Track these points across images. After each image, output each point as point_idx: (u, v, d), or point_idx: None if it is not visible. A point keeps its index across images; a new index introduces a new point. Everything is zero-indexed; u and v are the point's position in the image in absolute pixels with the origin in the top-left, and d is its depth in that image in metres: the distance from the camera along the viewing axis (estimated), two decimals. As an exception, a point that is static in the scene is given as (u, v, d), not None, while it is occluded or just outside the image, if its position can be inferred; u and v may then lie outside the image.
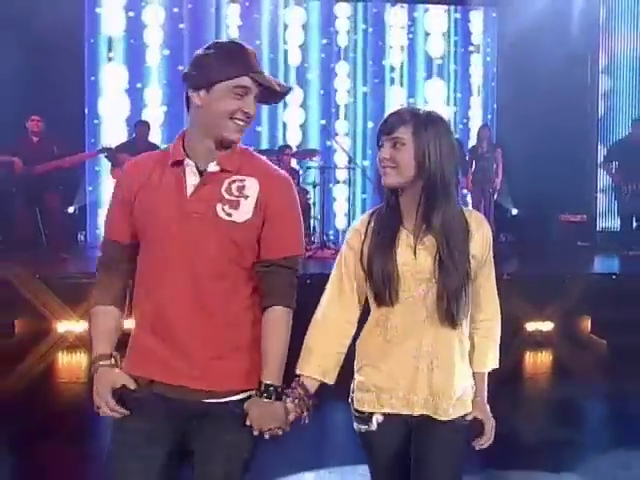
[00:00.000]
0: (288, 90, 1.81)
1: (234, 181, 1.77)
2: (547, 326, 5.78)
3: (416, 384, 1.85)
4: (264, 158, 1.88)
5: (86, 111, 8.95)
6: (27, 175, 6.94)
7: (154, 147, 6.73)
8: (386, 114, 1.92)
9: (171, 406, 1.74)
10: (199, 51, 1.78)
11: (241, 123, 1.74)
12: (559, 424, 4.08)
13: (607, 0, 9.46)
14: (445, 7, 9.59)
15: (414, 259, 1.82)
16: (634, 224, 8.34)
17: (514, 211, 9.06)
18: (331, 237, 8.07)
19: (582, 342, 5.68)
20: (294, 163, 8.30)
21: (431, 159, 1.79)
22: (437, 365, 1.84)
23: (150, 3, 8.98)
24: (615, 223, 8.80)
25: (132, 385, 1.74)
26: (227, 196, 1.75)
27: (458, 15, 9.66)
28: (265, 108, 9.26)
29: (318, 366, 1.85)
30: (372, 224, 1.89)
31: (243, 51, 1.76)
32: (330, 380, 1.86)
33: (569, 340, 5.65)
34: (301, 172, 8.34)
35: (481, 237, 1.86)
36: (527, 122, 8.40)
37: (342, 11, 9.47)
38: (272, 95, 1.79)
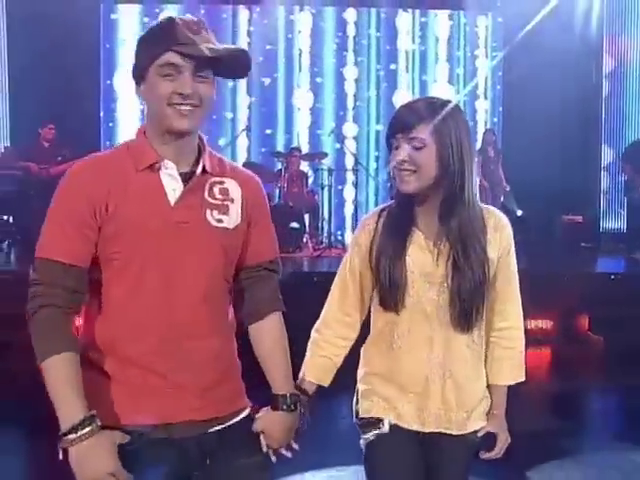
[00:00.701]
0: (237, 53, 1.48)
1: (214, 184, 1.56)
2: (547, 324, 5.95)
3: (428, 397, 1.70)
4: (225, 158, 1.67)
5: (101, 114, 9.21)
6: (43, 178, 7.20)
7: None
8: (398, 108, 1.70)
9: (181, 448, 1.50)
10: None
11: (182, 108, 1.44)
12: (558, 417, 4.22)
13: (611, 3, 9.58)
14: (452, 12, 9.76)
15: (427, 261, 1.67)
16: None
17: (519, 212, 9.21)
18: (338, 237, 8.25)
19: (580, 339, 5.82)
20: (303, 165, 8.50)
21: (454, 158, 1.61)
22: (449, 376, 1.70)
23: (165, 9, 9.23)
24: (618, 224, 8.92)
25: (126, 438, 1.41)
26: (212, 201, 1.54)
27: (464, 20, 9.83)
28: (279, 112, 9.51)
29: (317, 370, 1.77)
30: (382, 220, 1.74)
31: (168, 24, 1.44)
32: (326, 383, 1.78)
33: (568, 337, 5.81)
34: (310, 174, 8.54)
35: (499, 238, 1.70)
36: (532, 125, 8.54)
37: (352, 16, 9.68)
38: (231, 67, 1.49)
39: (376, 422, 1.74)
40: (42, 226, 1.47)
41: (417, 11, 9.71)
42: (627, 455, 3.69)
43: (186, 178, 1.52)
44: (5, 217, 7.75)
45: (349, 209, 9.29)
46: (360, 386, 1.81)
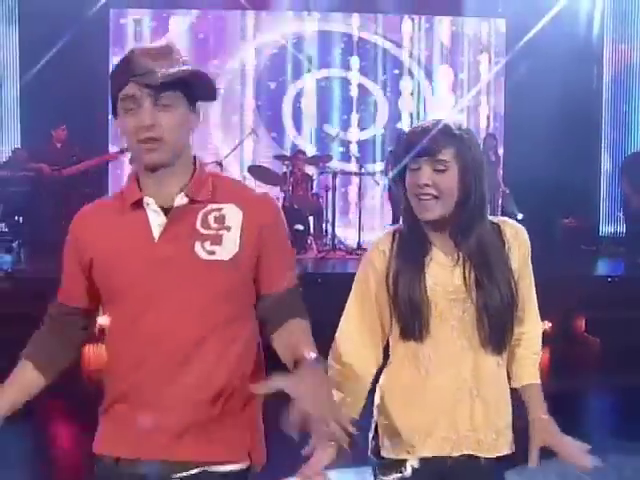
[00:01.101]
0: (192, 74, 1.38)
1: (209, 212, 1.45)
2: (545, 325, 6.08)
3: (457, 420, 1.61)
4: (238, 180, 1.61)
5: (109, 117, 9.36)
6: (55, 179, 7.37)
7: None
8: (414, 129, 1.66)
9: None
10: None
11: (147, 145, 1.38)
12: (555, 416, 4.36)
13: (613, 10, 9.72)
14: (454, 18, 9.89)
15: (448, 277, 1.60)
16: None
17: (519, 216, 9.34)
18: (342, 239, 8.41)
19: (577, 340, 5.97)
20: (308, 169, 8.66)
21: (475, 179, 1.59)
22: (477, 395, 1.61)
23: (174, 14, 9.41)
24: (617, 228, 9.05)
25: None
26: (205, 231, 1.42)
27: (467, 25, 9.96)
28: (285, 115, 9.67)
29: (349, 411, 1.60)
30: (396, 243, 1.66)
31: (127, 56, 1.39)
32: (357, 415, 1.64)
33: (565, 338, 5.94)
34: (314, 177, 8.71)
35: (518, 246, 1.65)
36: (533, 129, 8.67)
37: (357, 22, 9.83)
38: (197, 88, 1.42)
39: (398, 465, 1.64)
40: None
41: (423, 17, 9.84)
42: (623, 454, 3.76)
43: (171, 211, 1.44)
44: (16, 217, 7.91)
45: (353, 212, 9.44)
46: (379, 419, 1.69)
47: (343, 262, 7.45)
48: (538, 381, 1.69)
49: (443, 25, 9.92)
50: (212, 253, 1.41)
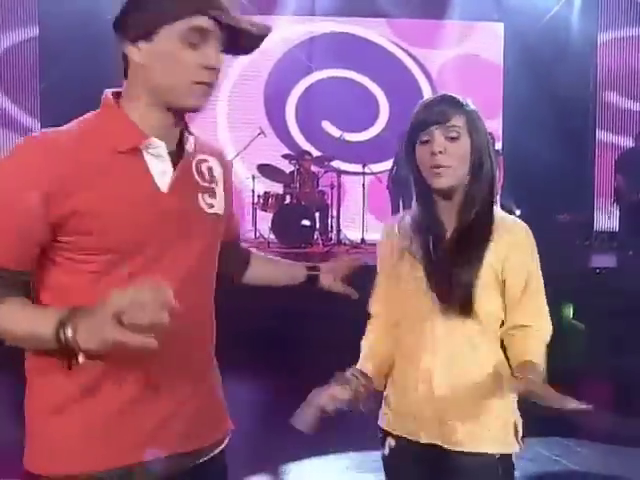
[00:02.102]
0: (266, 32, 1.25)
1: (201, 162, 1.34)
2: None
3: (421, 406, 1.58)
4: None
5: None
6: None
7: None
8: (420, 104, 1.59)
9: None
10: None
11: (205, 86, 1.21)
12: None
13: (605, 13, 10.06)
14: (451, 21, 10.09)
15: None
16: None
17: (517, 211, 9.70)
18: (346, 235, 8.80)
19: (564, 326, 6.24)
20: (313, 167, 9.05)
21: (487, 150, 1.55)
22: (439, 385, 1.56)
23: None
24: (611, 224, 9.34)
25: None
26: (202, 183, 1.32)
27: (466, 27, 10.19)
28: (290, 116, 10.06)
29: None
30: (404, 222, 1.65)
31: None
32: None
33: (554, 324, 6.31)
34: (320, 175, 9.12)
35: (505, 244, 1.56)
36: (532, 128, 9.01)
37: (362, 25, 10.14)
38: (244, 41, 1.25)
39: (382, 440, 1.67)
40: None
41: (424, 20, 10.10)
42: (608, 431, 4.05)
43: (173, 158, 1.27)
44: None
45: (357, 209, 9.80)
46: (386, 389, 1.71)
47: (347, 256, 7.78)
48: (538, 361, 1.52)
49: (444, 28, 10.15)
50: (212, 206, 1.33)
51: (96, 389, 1.20)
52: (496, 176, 1.58)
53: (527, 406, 1.52)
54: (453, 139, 1.51)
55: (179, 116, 1.26)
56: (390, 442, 1.65)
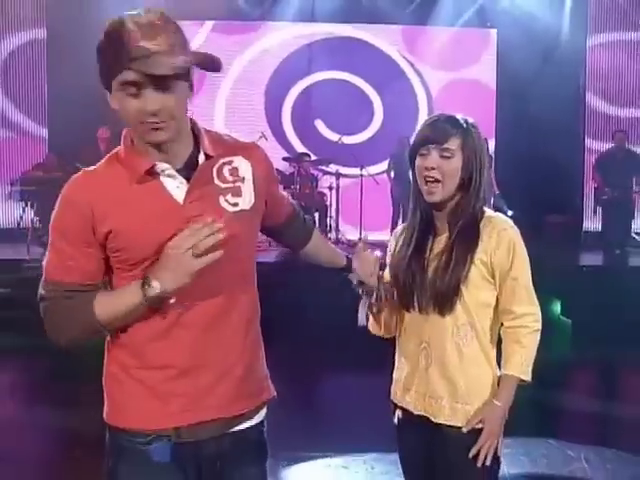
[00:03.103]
0: (201, 58, 1.35)
1: (223, 165, 1.49)
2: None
3: (414, 382, 1.83)
4: (222, 132, 1.58)
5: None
6: None
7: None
8: (426, 121, 1.81)
9: (200, 448, 1.49)
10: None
11: (154, 125, 1.35)
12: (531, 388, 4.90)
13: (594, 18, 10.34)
14: (448, 27, 10.32)
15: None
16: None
17: (509, 212, 10.00)
18: (345, 234, 9.11)
19: (552, 321, 6.48)
20: (313, 170, 9.29)
21: (475, 169, 1.74)
22: (431, 362, 1.79)
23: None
24: (598, 224, 9.56)
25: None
26: (224, 185, 1.47)
27: (460, 34, 10.41)
28: (287, 120, 10.33)
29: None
30: (405, 234, 1.88)
31: (118, 33, 1.29)
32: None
33: (542, 319, 6.56)
34: (319, 177, 9.41)
35: (495, 242, 1.75)
36: (523, 133, 9.31)
37: (360, 31, 10.40)
38: (204, 66, 1.37)
39: (393, 411, 1.89)
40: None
41: (418, 26, 10.32)
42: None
43: (188, 170, 1.44)
44: (46, 215, 8.56)
45: (355, 210, 10.07)
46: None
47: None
48: (513, 373, 1.76)
49: (438, 33, 10.36)
50: (236, 205, 1.48)
51: (151, 362, 1.46)
52: (484, 186, 1.77)
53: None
54: (446, 158, 1.73)
55: (170, 144, 1.41)
56: (398, 413, 1.87)
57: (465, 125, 1.76)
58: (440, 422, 1.78)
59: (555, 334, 6.26)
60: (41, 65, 9.84)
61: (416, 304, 1.80)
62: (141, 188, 1.42)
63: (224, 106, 10.35)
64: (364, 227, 8.68)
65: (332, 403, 4.84)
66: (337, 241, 8.56)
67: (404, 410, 1.86)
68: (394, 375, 1.92)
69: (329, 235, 8.79)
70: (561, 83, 9.48)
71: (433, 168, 1.72)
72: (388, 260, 1.93)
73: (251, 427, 1.55)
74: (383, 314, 1.87)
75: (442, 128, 1.74)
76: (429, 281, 1.77)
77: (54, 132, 9.66)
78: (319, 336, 5.51)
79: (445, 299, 1.75)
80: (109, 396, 1.51)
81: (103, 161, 1.48)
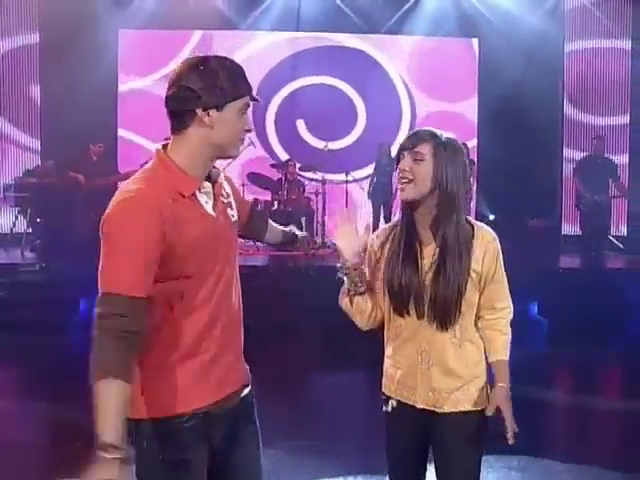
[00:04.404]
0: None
1: (220, 184, 1.78)
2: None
3: (417, 380, 1.98)
4: None
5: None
6: (90, 189, 8.12)
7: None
8: (407, 134, 2.02)
9: (221, 417, 1.76)
10: (195, 67, 1.63)
11: (244, 140, 1.74)
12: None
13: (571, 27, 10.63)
14: (431, 37, 10.55)
15: (425, 265, 1.95)
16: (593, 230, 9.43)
17: (491, 217, 10.23)
18: (331, 239, 9.30)
19: (530, 321, 6.73)
20: (299, 176, 9.45)
21: (447, 178, 1.89)
22: (432, 364, 1.96)
23: (172, 35, 10.27)
24: (577, 228, 9.81)
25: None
26: (224, 199, 1.77)
27: (443, 43, 10.67)
28: (272, 128, 10.49)
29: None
30: (392, 233, 2.03)
31: (242, 71, 1.70)
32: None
33: (520, 319, 6.76)
34: (305, 183, 9.60)
35: (484, 253, 1.94)
36: (504, 141, 9.49)
37: (351, 39, 10.59)
38: None
39: (386, 400, 2.06)
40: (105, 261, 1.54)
41: (402, 35, 10.58)
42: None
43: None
44: (38, 220, 8.47)
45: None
46: (384, 362, 2.10)
47: (332, 258, 8.30)
48: (504, 357, 1.99)
49: (422, 42, 10.60)
50: (234, 216, 1.80)
51: (192, 352, 1.70)
52: (455, 194, 1.92)
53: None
54: (418, 161, 1.92)
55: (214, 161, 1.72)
56: (392, 402, 2.04)
57: (440, 136, 1.94)
58: (445, 411, 1.97)
59: (532, 333, 6.49)
60: (34, 69, 9.97)
61: (413, 311, 1.96)
62: (187, 204, 1.63)
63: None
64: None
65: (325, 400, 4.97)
66: (323, 245, 8.76)
67: (400, 402, 2.03)
68: (387, 370, 2.07)
69: (315, 239, 8.98)
70: (541, 91, 9.74)
71: (406, 170, 1.92)
72: (366, 259, 2.07)
73: (249, 391, 1.87)
74: (356, 299, 2.00)
75: (416, 135, 1.96)
76: (429, 295, 1.93)
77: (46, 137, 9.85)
78: (319, 336, 5.65)
79: (447, 315, 1.93)
80: (149, 391, 1.66)
81: (141, 182, 1.62)
